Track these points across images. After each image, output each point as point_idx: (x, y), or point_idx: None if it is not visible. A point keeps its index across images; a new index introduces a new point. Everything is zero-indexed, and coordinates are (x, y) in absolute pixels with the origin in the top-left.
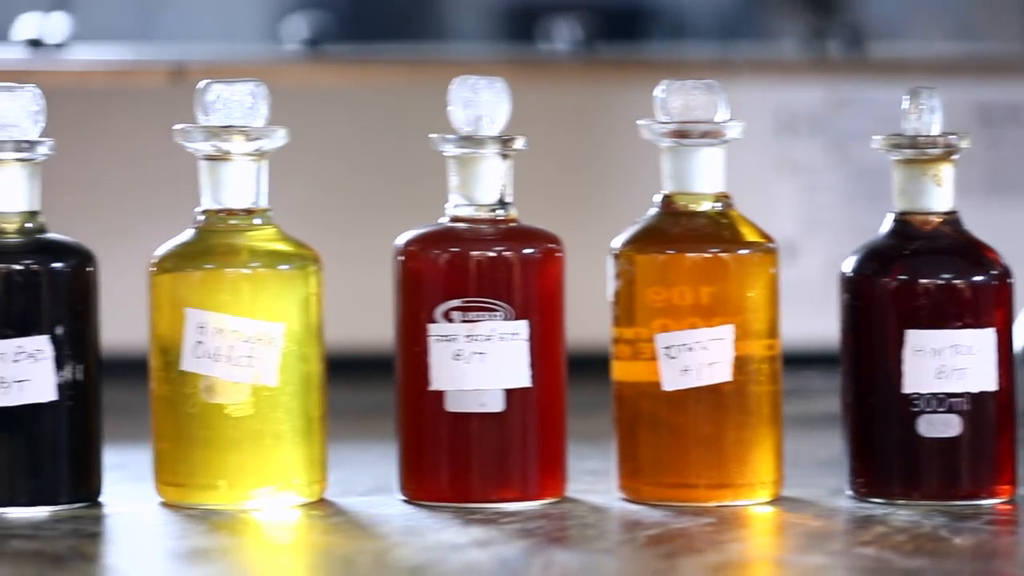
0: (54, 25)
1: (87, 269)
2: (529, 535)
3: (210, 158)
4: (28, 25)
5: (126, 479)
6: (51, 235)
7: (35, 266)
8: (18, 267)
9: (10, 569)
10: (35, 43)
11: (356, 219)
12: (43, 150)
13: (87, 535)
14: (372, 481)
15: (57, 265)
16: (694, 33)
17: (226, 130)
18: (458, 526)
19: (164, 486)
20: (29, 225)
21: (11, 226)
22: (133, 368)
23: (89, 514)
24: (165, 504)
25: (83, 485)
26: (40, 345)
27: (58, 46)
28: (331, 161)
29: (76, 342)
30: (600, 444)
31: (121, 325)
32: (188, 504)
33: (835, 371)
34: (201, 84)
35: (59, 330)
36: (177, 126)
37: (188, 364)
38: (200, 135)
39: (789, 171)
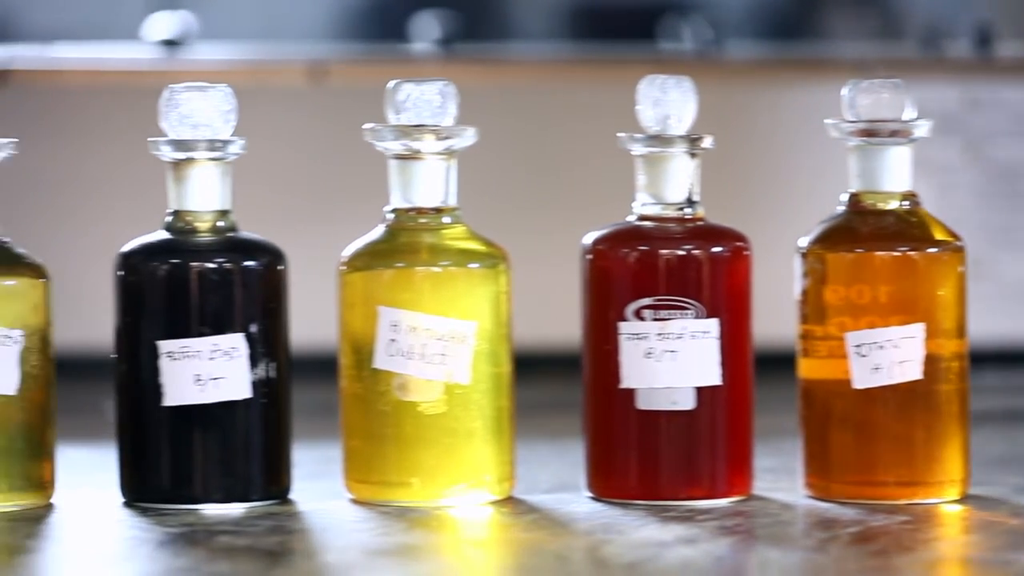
0: (182, 24)
1: (278, 267)
2: (730, 532)
3: (400, 157)
4: (159, 25)
5: (308, 476)
6: (243, 233)
7: (228, 265)
8: (212, 265)
9: (229, 565)
10: (168, 43)
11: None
12: (235, 149)
13: (290, 531)
14: (552, 478)
15: (250, 263)
16: (810, 33)
17: (417, 129)
18: (657, 523)
19: (355, 483)
20: (221, 224)
21: (204, 225)
22: (309, 366)
23: (283, 511)
24: (355, 501)
25: (275, 482)
26: (235, 343)
27: (188, 45)
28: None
29: (269, 340)
30: (771, 441)
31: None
32: (379, 501)
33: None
34: (391, 84)
35: (253, 328)
36: (367, 125)
37: (381, 362)
38: (391, 134)
39: (927, 171)
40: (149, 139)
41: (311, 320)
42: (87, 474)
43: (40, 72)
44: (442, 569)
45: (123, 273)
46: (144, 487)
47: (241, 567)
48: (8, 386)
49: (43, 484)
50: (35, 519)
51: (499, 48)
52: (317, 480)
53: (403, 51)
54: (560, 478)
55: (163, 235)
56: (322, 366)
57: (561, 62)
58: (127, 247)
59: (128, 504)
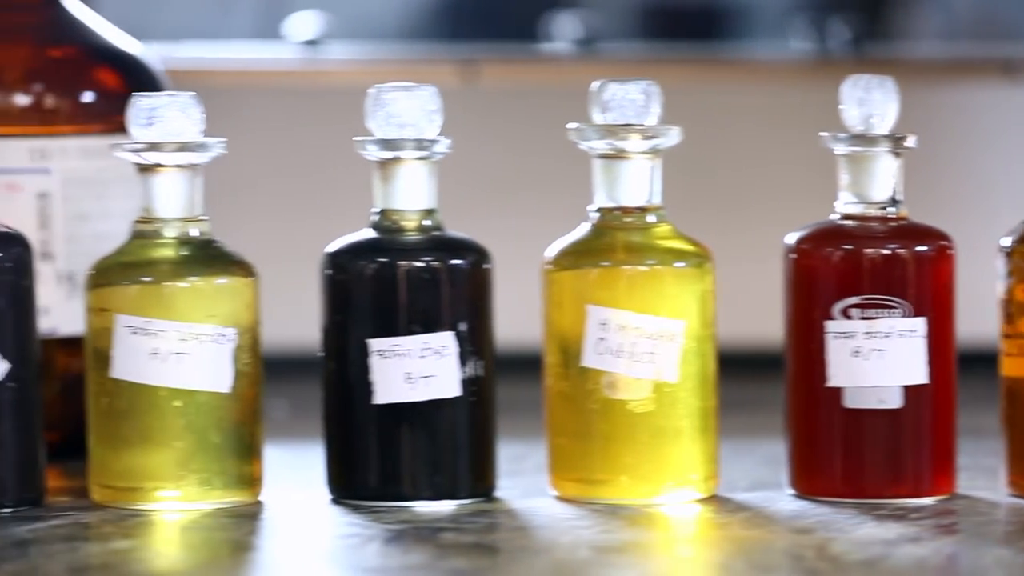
0: (320, 23)
1: (484, 266)
2: (949, 531)
3: (605, 156)
4: (299, 24)
5: (503, 474)
6: (448, 232)
7: (436, 263)
8: (420, 264)
9: (465, 561)
10: (311, 43)
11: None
12: (440, 148)
13: (509, 528)
14: (747, 476)
15: (457, 262)
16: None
17: (623, 129)
18: (872, 522)
19: (561, 480)
20: (427, 223)
21: (411, 223)
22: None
23: (494, 508)
24: (560, 498)
25: (481, 480)
26: (445, 341)
27: (325, 44)
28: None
29: (476, 338)
30: (962, 440)
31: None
32: (586, 499)
33: None
34: (596, 84)
35: (461, 326)
36: (571, 125)
37: (590, 360)
38: (596, 134)
39: None
40: (355, 138)
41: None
42: (287, 471)
43: (189, 72)
44: (679, 566)
45: (331, 272)
46: (352, 484)
47: (477, 563)
48: (222, 384)
49: (252, 481)
50: (249, 516)
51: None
52: (513, 478)
53: (547, 50)
54: (755, 476)
55: (370, 234)
56: (507, 364)
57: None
58: (334, 246)
59: (335, 501)
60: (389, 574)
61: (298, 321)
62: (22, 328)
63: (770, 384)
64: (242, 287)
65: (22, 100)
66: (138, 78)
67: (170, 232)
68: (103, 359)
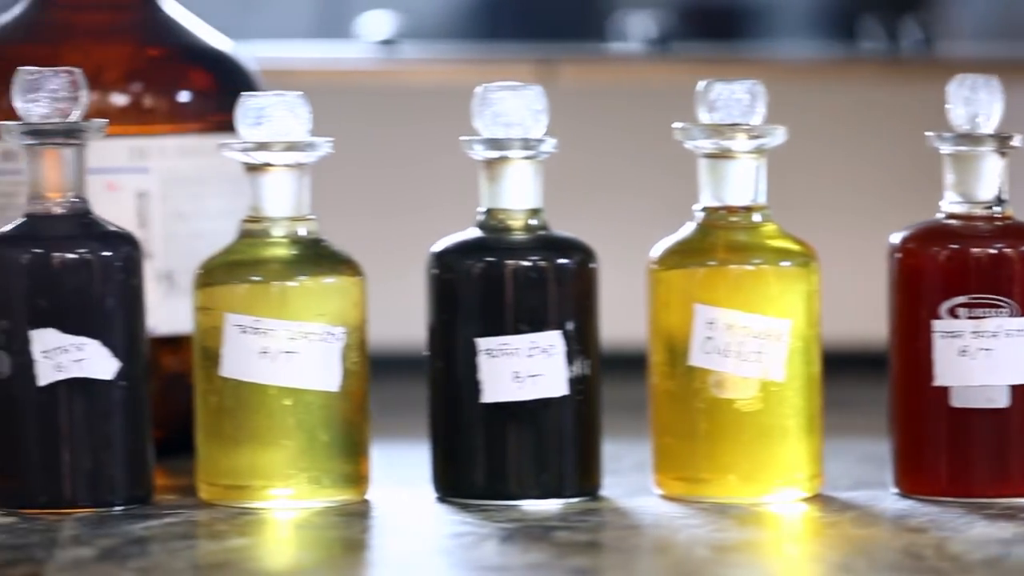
0: (392, 23)
1: (590, 265)
2: None
3: (711, 156)
4: (372, 23)
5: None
6: (554, 232)
7: (543, 263)
8: (527, 263)
9: (586, 560)
10: (385, 42)
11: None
12: (546, 148)
13: (622, 527)
14: (847, 475)
15: (563, 261)
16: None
17: (730, 128)
18: (983, 521)
19: (667, 479)
20: (533, 222)
21: (517, 223)
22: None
23: (601, 507)
24: (665, 497)
25: (588, 479)
26: (553, 340)
27: (397, 44)
28: None
29: (583, 337)
30: None
31: None
32: (692, 497)
33: None
34: (702, 83)
35: (569, 325)
36: (677, 124)
37: (697, 360)
38: (702, 133)
39: None
40: (461, 138)
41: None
42: (385, 469)
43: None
44: (800, 565)
45: (437, 271)
46: (459, 483)
47: (597, 562)
48: (331, 383)
49: (360, 480)
50: (359, 514)
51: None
52: (612, 476)
53: (622, 50)
54: (855, 475)
55: (476, 233)
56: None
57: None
58: (440, 245)
59: (441, 500)
60: (511, 573)
61: (392, 320)
62: (131, 327)
63: (862, 382)
64: (350, 286)
65: (121, 100)
66: (234, 77)
67: (278, 231)
68: (211, 358)
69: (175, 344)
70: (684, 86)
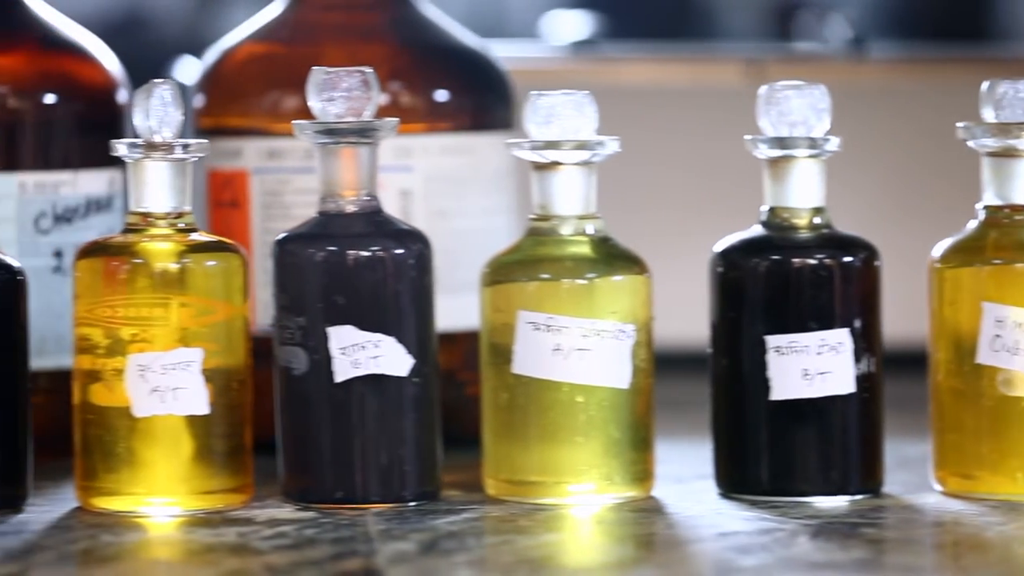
0: (587, 23)
1: (875, 263)
2: None
3: (995, 155)
4: (564, 24)
5: None
6: (837, 230)
7: (829, 260)
8: (813, 261)
9: (911, 557)
10: (585, 42)
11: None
12: (831, 147)
13: (926, 524)
14: None
15: (849, 259)
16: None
17: (1018, 127)
18: None
19: (950, 476)
20: (818, 220)
21: (802, 221)
22: None
23: (889, 504)
24: (946, 494)
25: (871, 476)
26: (841, 338)
27: (595, 44)
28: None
29: (868, 335)
30: None
31: None
32: (976, 495)
33: None
34: (987, 83)
35: (856, 323)
36: (960, 124)
37: (984, 357)
38: (987, 132)
39: None
40: (746, 137)
41: None
42: (660, 466)
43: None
44: None
45: (722, 269)
46: (744, 480)
47: (920, 559)
48: (622, 380)
49: (647, 476)
50: (654, 510)
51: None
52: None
53: (828, 50)
54: None
55: (760, 231)
56: None
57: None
58: (724, 243)
59: (724, 496)
60: (839, 570)
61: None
62: (423, 324)
63: None
64: (639, 284)
65: (382, 99)
66: (488, 76)
67: (566, 229)
68: (501, 355)
69: (444, 341)
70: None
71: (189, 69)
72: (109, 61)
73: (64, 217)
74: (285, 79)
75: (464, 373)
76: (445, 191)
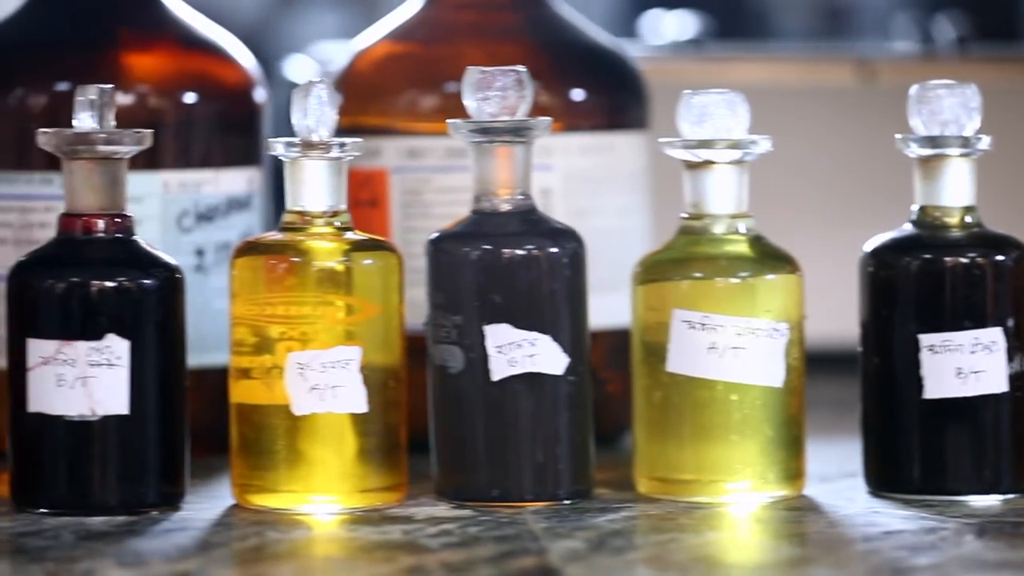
0: (690, 23)
1: None
2: None
3: None
4: (666, 24)
5: None
6: (988, 229)
7: (981, 259)
8: (966, 260)
9: None
10: (692, 42)
11: None
12: (983, 145)
13: None
14: None
15: (1001, 258)
16: None
17: None
18: None
19: None
20: (969, 219)
21: (953, 220)
22: None
23: None
24: None
25: (1022, 475)
26: (994, 337)
27: (700, 43)
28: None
29: (1020, 334)
30: None
31: None
32: None
33: None
34: None
35: (1009, 322)
36: None
37: None
38: None
39: None
40: (897, 136)
41: None
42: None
43: None
44: None
45: (873, 268)
46: (895, 478)
47: None
48: (776, 378)
49: (799, 475)
50: (809, 508)
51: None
52: None
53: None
54: None
55: (911, 230)
56: None
57: None
58: (874, 243)
59: (874, 494)
60: (1015, 569)
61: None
62: (577, 323)
63: None
64: (792, 282)
65: None
66: (623, 75)
67: (719, 228)
68: (655, 353)
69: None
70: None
71: (301, 67)
72: (246, 60)
73: (206, 216)
74: (425, 78)
75: (604, 371)
76: (583, 190)
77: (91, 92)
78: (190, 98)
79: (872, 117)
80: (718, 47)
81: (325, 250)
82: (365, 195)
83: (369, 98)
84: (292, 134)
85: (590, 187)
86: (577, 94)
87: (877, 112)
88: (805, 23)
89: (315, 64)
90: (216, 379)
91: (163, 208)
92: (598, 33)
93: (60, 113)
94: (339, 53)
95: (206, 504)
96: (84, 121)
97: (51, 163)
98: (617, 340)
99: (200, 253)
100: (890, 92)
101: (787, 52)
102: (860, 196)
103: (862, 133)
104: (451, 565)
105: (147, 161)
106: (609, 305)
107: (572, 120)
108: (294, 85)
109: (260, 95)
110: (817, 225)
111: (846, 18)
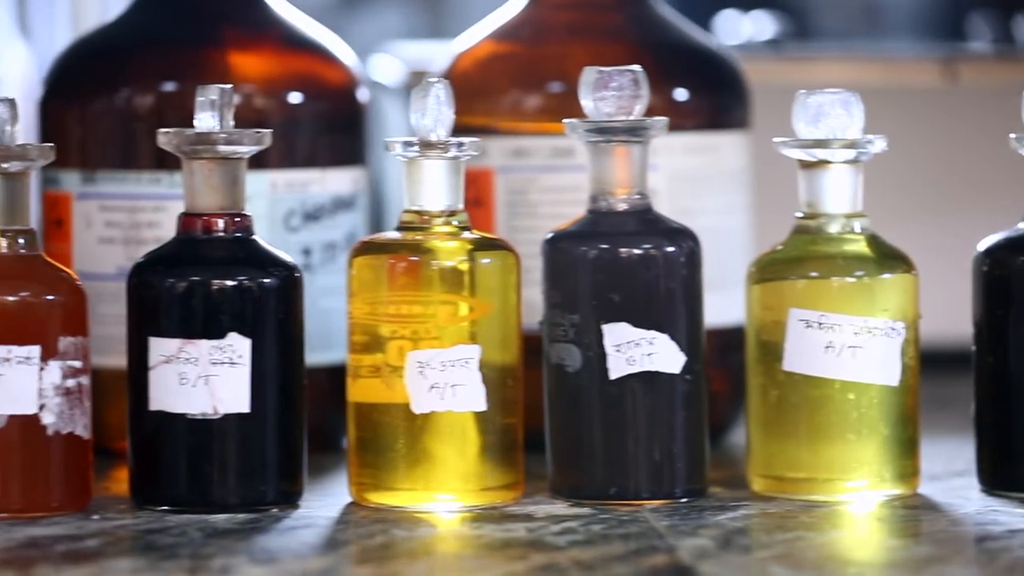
0: (767, 23)
1: None
2: None
3: None
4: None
5: None
6: None
7: None
8: None
9: None
10: (771, 42)
11: None
12: None
13: None
14: None
15: None
16: None
17: None
18: None
19: None
20: None
21: None
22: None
23: None
24: None
25: None
26: None
27: (778, 44)
28: None
29: None
30: None
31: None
32: None
33: None
34: None
35: None
36: None
37: None
38: None
39: None
40: (1011, 135)
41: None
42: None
43: None
44: None
45: (987, 268)
46: (1011, 477)
47: None
48: (892, 377)
49: (914, 474)
50: (927, 507)
51: None
52: None
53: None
54: None
55: (1022, 230)
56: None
57: None
58: (988, 242)
59: (988, 493)
60: None
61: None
62: (693, 322)
63: None
64: (907, 282)
65: None
66: (724, 74)
67: (834, 228)
68: (770, 351)
69: None
70: None
71: (384, 67)
72: (349, 60)
73: (313, 215)
74: (529, 78)
75: (708, 370)
76: (687, 190)
77: (212, 92)
78: (295, 98)
79: (953, 117)
80: (796, 47)
81: (447, 249)
82: (470, 194)
83: (473, 98)
84: (384, 134)
85: (694, 187)
86: (680, 94)
87: (958, 112)
88: (898, 22)
89: (400, 64)
90: (322, 378)
91: (270, 208)
92: (699, 33)
93: (166, 113)
94: (420, 53)
95: (323, 502)
96: (205, 121)
97: (159, 163)
98: (721, 339)
99: (307, 252)
100: (972, 92)
101: (867, 52)
102: (955, 194)
103: (946, 132)
104: (584, 563)
105: (254, 161)
106: (713, 304)
107: (676, 120)
108: (377, 85)
109: (363, 95)
110: (912, 224)
111: (926, 17)
